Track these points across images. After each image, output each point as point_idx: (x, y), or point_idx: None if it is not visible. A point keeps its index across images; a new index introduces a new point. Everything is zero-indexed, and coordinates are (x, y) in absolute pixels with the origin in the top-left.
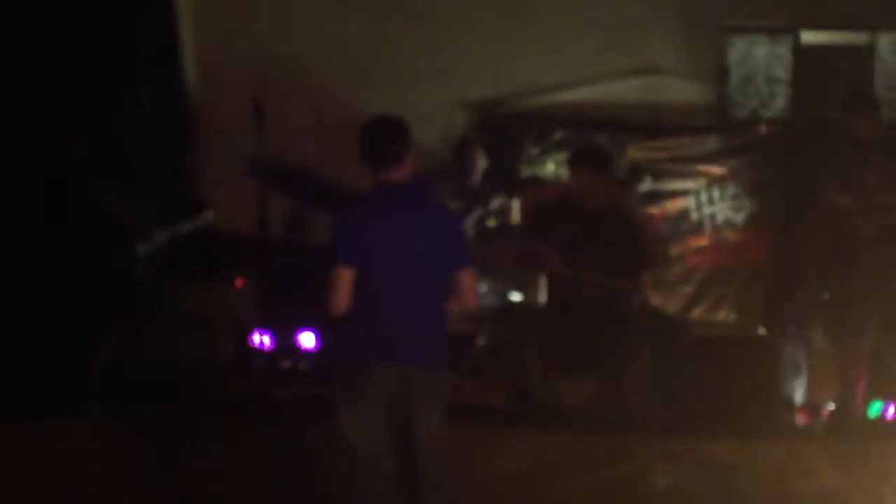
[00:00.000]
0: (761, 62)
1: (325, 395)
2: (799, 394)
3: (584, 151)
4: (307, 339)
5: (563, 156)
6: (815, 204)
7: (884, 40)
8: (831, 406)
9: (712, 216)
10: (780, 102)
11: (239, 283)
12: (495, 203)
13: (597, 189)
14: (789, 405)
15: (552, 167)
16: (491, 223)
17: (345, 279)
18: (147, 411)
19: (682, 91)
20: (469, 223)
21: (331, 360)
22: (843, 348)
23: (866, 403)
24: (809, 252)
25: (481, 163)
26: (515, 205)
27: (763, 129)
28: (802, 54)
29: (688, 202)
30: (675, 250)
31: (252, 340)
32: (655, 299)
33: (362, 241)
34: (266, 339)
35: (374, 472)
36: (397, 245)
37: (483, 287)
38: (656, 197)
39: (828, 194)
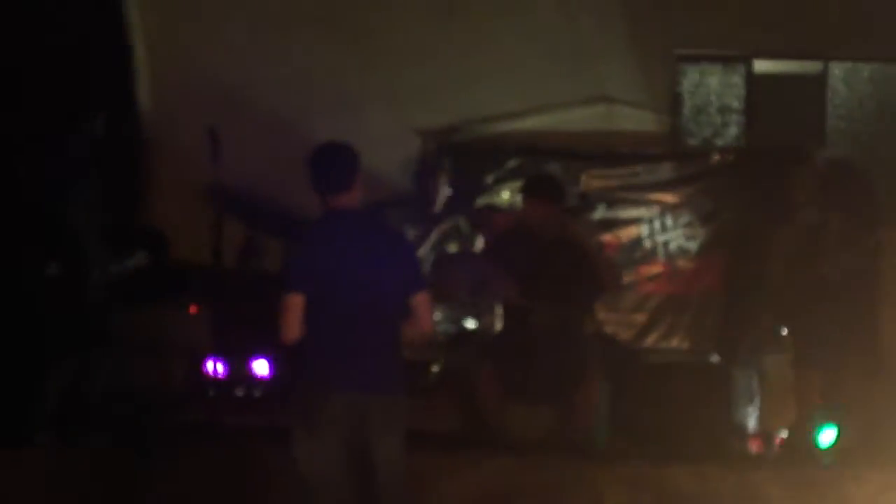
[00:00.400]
0: (714, 91)
1: (279, 423)
2: (752, 421)
3: (535, 181)
4: (261, 367)
5: (517, 184)
6: (767, 239)
7: (836, 69)
8: (784, 433)
9: (665, 244)
10: (733, 131)
11: (193, 310)
12: (453, 230)
13: (549, 218)
14: (742, 432)
15: (507, 195)
16: (450, 249)
17: (295, 306)
18: (99, 441)
19: (635, 119)
20: (428, 250)
21: (286, 388)
22: (805, 376)
23: (818, 430)
24: (763, 283)
25: (444, 190)
26: (474, 232)
27: (716, 157)
28: (755, 83)
29: (641, 230)
30: (628, 278)
31: (206, 368)
32: (609, 327)
33: (312, 267)
34: (220, 367)
35: (321, 500)
36: (348, 270)
37: (438, 314)
38: (609, 225)
39: (809, 268)
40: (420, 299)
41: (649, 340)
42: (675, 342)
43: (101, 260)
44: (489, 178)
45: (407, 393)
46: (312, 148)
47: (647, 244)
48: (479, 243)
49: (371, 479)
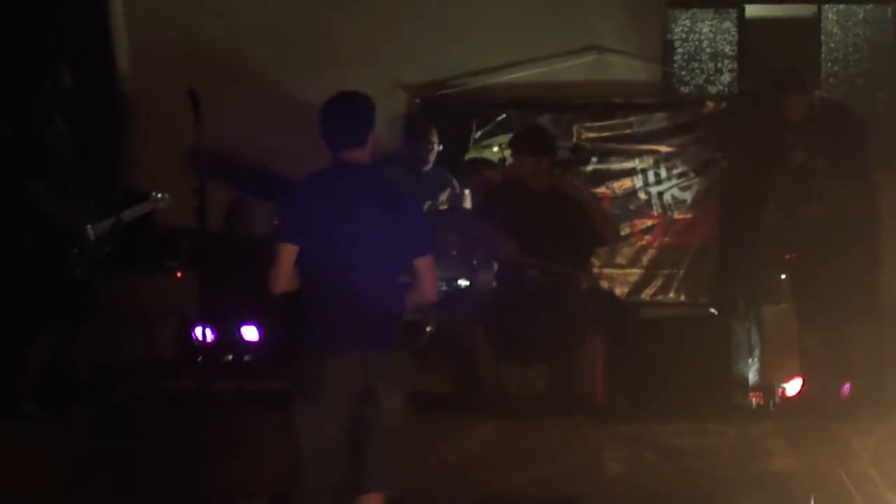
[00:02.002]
0: (706, 37)
1: (269, 388)
2: (752, 373)
3: (524, 134)
4: (250, 332)
5: (506, 138)
6: (763, 187)
7: (829, 12)
8: (784, 385)
9: (660, 195)
10: (725, 78)
11: (179, 275)
12: (445, 187)
13: (539, 172)
14: (742, 385)
15: (496, 150)
16: (441, 207)
17: (287, 256)
18: (85, 409)
19: (625, 69)
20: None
21: (275, 353)
22: (807, 328)
23: (823, 382)
24: (762, 234)
25: (436, 148)
26: (466, 190)
27: (709, 105)
28: (748, 28)
29: (635, 181)
30: (623, 231)
31: (194, 334)
32: (604, 281)
33: (310, 219)
34: (208, 333)
35: (318, 471)
36: (350, 227)
37: None
38: (602, 177)
39: (800, 208)
40: (424, 264)
41: (646, 293)
42: (671, 295)
43: (82, 226)
44: (478, 133)
45: (406, 347)
46: (327, 98)
47: (641, 196)
48: (469, 199)
49: (373, 432)
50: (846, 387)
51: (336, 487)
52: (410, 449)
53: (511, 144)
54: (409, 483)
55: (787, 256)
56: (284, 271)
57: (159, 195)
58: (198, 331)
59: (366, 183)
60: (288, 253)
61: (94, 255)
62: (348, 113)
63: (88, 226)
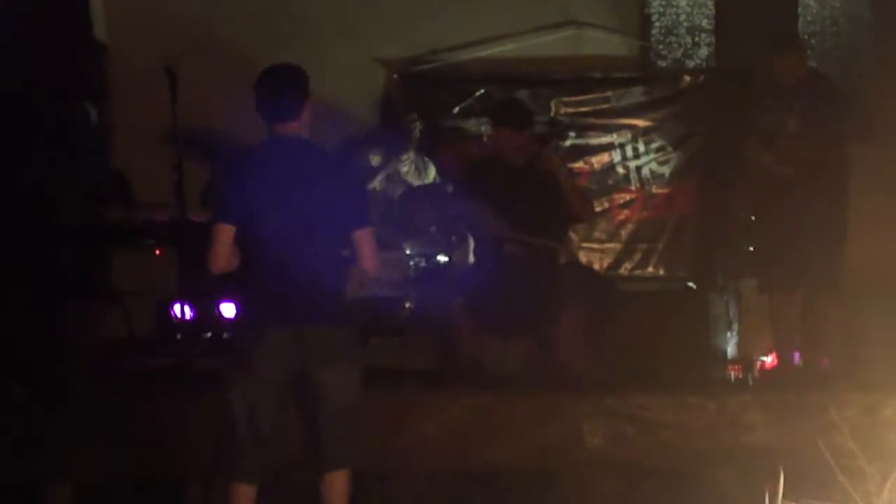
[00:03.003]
0: (683, 11)
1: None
2: (731, 347)
3: (503, 108)
4: (228, 309)
5: (484, 113)
6: (737, 160)
7: None
8: (764, 358)
9: (638, 169)
10: (703, 51)
11: (157, 253)
12: (419, 161)
13: (518, 146)
14: (721, 358)
15: (473, 124)
16: (415, 182)
17: (223, 236)
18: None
19: (603, 43)
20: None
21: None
22: (776, 299)
23: (800, 354)
24: (734, 204)
25: (418, 127)
26: (439, 164)
27: (686, 79)
28: (725, 2)
29: (613, 156)
30: (601, 205)
31: (172, 311)
32: (583, 255)
33: (245, 196)
34: (187, 310)
35: (252, 441)
36: (285, 200)
37: (409, 249)
38: (581, 152)
39: (748, 153)
40: (362, 236)
41: (624, 268)
42: (650, 269)
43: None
44: (456, 108)
45: (354, 323)
46: (260, 72)
47: (620, 170)
48: (441, 174)
49: (319, 412)
50: (823, 359)
51: (272, 462)
52: (361, 425)
53: (491, 118)
54: (365, 460)
55: (752, 218)
56: (222, 251)
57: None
58: (176, 308)
59: (301, 156)
60: (224, 232)
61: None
62: (280, 86)
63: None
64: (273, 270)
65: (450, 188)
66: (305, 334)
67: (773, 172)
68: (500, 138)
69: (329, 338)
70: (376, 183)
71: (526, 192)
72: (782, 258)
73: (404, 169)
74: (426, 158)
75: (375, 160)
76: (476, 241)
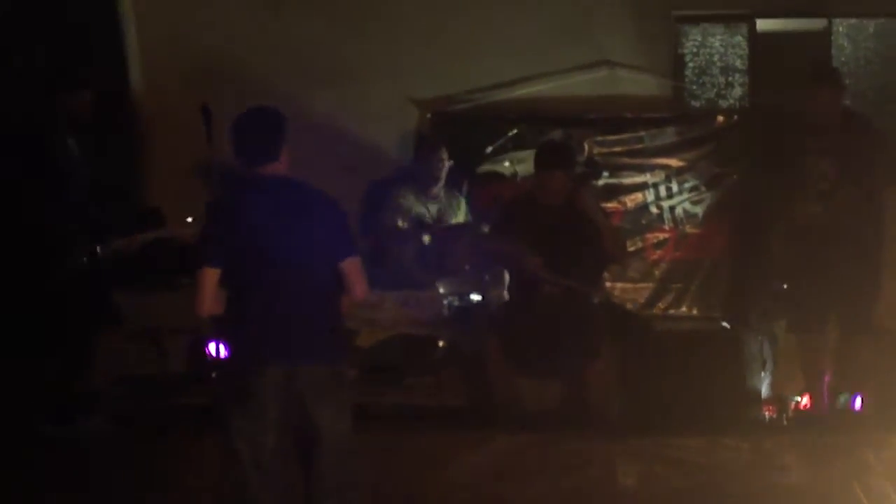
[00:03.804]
0: (717, 51)
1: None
2: (765, 387)
3: (551, 150)
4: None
5: (519, 153)
6: (773, 202)
7: (840, 26)
8: (798, 399)
9: (671, 209)
10: (737, 92)
11: None
12: (450, 200)
13: (565, 187)
14: (755, 399)
15: (508, 164)
16: (447, 221)
17: (208, 280)
18: (101, 427)
19: (636, 83)
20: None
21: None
22: (805, 341)
23: (833, 396)
24: (769, 243)
25: (447, 164)
26: (473, 203)
27: (720, 119)
28: (759, 42)
29: (646, 196)
30: (635, 245)
31: (207, 349)
32: (617, 295)
33: (227, 239)
34: (222, 348)
35: (263, 484)
36: (268, 239)
37: (443, 288)
38: (614, 191)
39: (795, 206)
40: (349, 265)
41: (658, 308)
42: (683, 309)
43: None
44: (489, 148)
45: (346, 363)
46: (238, 113)
47: (653, 210)
48: (474, 213)
49: (313, 455)
50: (857, 399)
51: (281, 499)
52: (357, 463)
53: (539, 160)
54: (362, 498)
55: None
56: (207, 295)
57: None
58: (211, 346)
59: (281, 193)
60: (210, 276)
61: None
62: (258, 128)
63: (98, 246)
64: (263, 309)
65: (484, 227)
66: (299, 372)
67: (810, 216)
68: (549, 180)
69: (323, 375)
70: (407, 221)
71: (562, 233)
72: (811, 300)
73: (435, 207)
74: (458, 196)
75: (408, 199)
76: (511, 280)
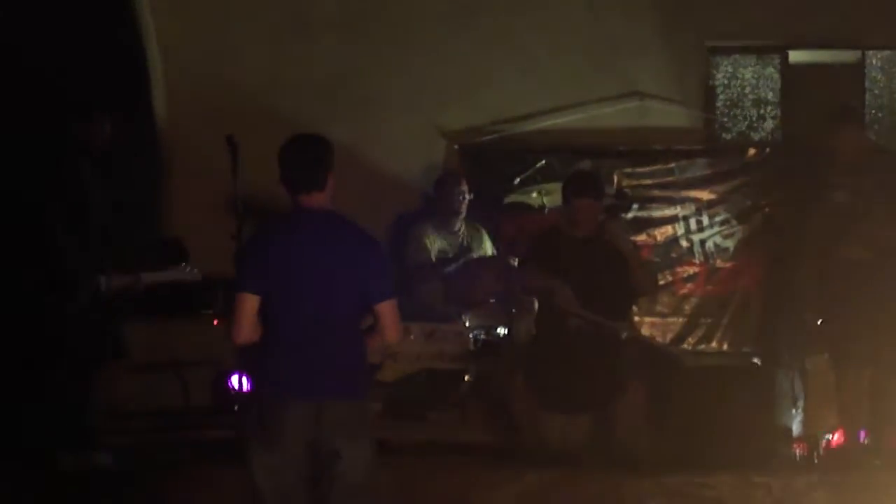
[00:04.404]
0: (749, 83)
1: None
2: (796, 424)
3: (581, 180)
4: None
5: (548, 184)
6: (805, 241)
7: (873, 58)
8: (829, 436)
9: (702, 243)
10: (769, 124)
11: (216, 322)
12: (475, 233)
13: (595, 217)
14: (786, 436)
15: (536, 196)
16: (478, 254)
17: (246, 306)
18: (113, 460)
19: (667, 115)
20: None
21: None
22: (843, 378)
23: (868, 433)
24: (802, 279)
25: (467, 197)
26: (500, 235)
27: (752, 151)
28: (791, 74)
29: (676, 229)
30: (664, 279)
31: (230, 382)
32: (646, 329)
33: (268, 267)
34: (244, 381)
35: None
36: (307, 272)
37: (469, 321)
38: (644, 224)
39: (834, 245)
40: (385, 309)
41: (688, 343)
42: (714, 344)
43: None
44: (517, 179)
45: (369, 398)
46: (285, 140)
47: (683, 243)
48: (500, 245)
49: (334, 489)
50: (891, 438)
51: None
52: (378, 498)
53: (569, 190)
54: None
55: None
56: (245, 322)
57: (188, 268)
58: (234, 379)
59: (324, 227)
60: (247, 303)
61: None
62: (306, 156)
63: (102, 277)
64: (294, 342)
65: (511, 259)
66: (325, 407)
67: (851, 253)
68: (579, 209)
69: (349, 411)
70: (431, 256)
71: (590, 265)
72: (854, 335)
73: (456, 240)
74: (479, 228)
75: (429, 234)
76: (540, 314)
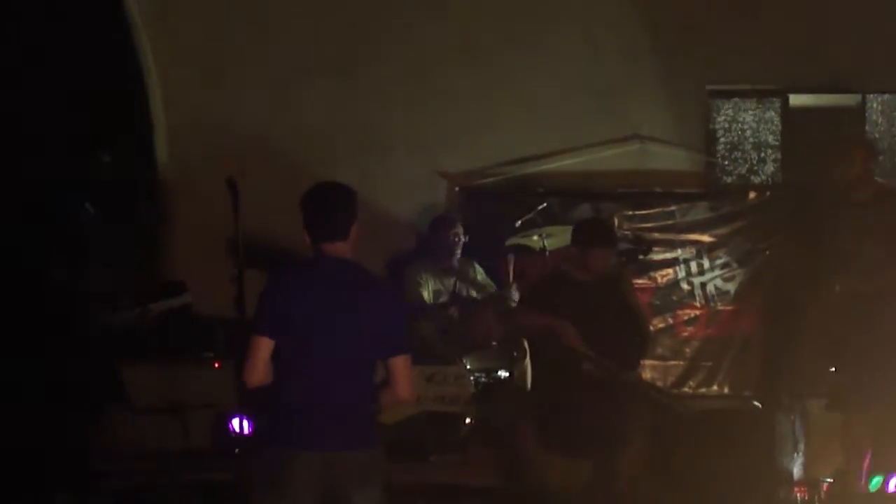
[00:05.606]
0: (749, 127)
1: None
2: (797, 467)
3: (593, 228)
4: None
5: (548, 227)
6: (807, 282)
7: (873, 102)
8: (830, 480)
9: (703, 286)
10: (769, 167)
11: (216, 365)
12: (468, 269)
13: (609, 265)
14: (787, 479)
15: (537, 238)
16: (476, 296)
17: (261, 349)
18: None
19: (667, 158)
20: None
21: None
22: (851, 421)
23: (868, 476)
24: (803, 322)
25: (461, 239)
26: (499, 278)
27: (752, 195)
28: (791, 118)
29: (677, 272)
30: (665, 322)
31: (231, 425)
32: (647, 372)
33: (285, 311)
34: (245, 424)
35: None
36: (324, 322)
37: (470, 364)
38: (645, 267)
39: (835, 285)
40: (399, 364)
41: (689, 386)
42: (714, 387)
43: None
44: (518, 222)
45: (380, 446)
46: (309, 188)
47: (684, 286)
48: (502, 287)
49: None
50: (892, 481)
51: None
52: None
53: (584, 238)
54: None
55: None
56: (259, 364)
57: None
58: (235, 422)
59: (345, 277)
60: (262, 345)
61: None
62: (330, 205)
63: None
64: (307, 390)
65: (513, 302)
66: (337, 457)
67: (854, 294)
68: (596, 258)
69: (361, 461)
70: (428, 295)
71: (601, 310)
72: (858, 376)
73: (451, 280)
74: (472, 263)
75: (423, 275)
76: (545, 356)
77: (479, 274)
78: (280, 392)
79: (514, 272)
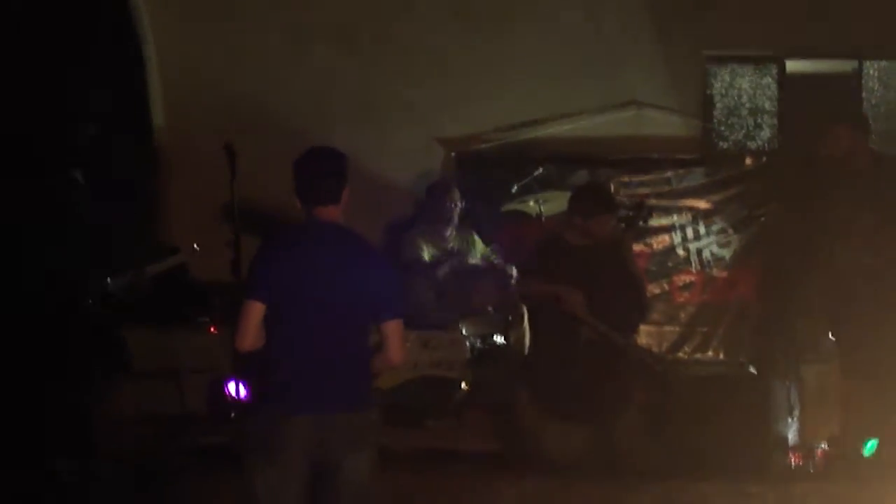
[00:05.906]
0: (746, 93)
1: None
2: (792, 433)
3: (599, 193)
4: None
5: (545, 193)
6: (806, 252)
7: (870, 68)
8: (825, 445)
9: (698, 252)
10: (765, 133)
11: (212, 329)
12: (467, 238)
13: (611, 231)
14: (782, 445)
15: (533, 204)
16: (473, 262)
17: (253, 314)
18: (115, 467)
19: (664, 124)
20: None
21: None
22: (854, 389)
23: (862, 442)
24: (800, 288)
25: (458, 206)
26: (496, 243)
27: (748, 161)
28: (788, 84)
29: (673, 238)
30: (661, 288)
31: (227, 389)
32: (642, 338)
33: (277, 276)
34: (241, 388)
35: None
36: (316, 285)
37: (466, 329)
38: (640, 233)
39: (837, 255)
40: (391, 328)
41: (684, 351)
42: (710, 353)
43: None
44: (515, 187)
45: (375, 409)
46: (300, 154)
47: (680, 252)
48: (499, 252)
49: (337, 500)
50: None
51: None
52: None
53: (586, 205)
54: None
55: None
56: (251, 328)
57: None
58: (231, 386)
59: (337, 241)
60: (254, 310)
61: (115, 307)
62: (321, 169)
63: (108, 279)
64: (300, 354)
65: (509, 267)
66: (330, 420)
67: (856, 264)
68: (598, 225)
69: (354, 423)
70: (428, 259)
71: (600, 275)
72: (859, 344)
73: (449, 247)
74: (471, 233)
75: (420, 243)
76: (544, 322)
77: (479, 244)
78: (273, 356)
79: (511, 238)
